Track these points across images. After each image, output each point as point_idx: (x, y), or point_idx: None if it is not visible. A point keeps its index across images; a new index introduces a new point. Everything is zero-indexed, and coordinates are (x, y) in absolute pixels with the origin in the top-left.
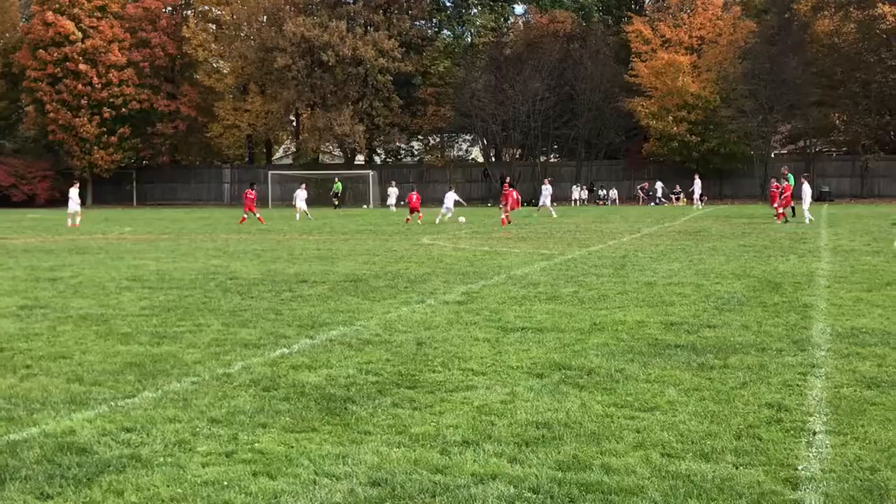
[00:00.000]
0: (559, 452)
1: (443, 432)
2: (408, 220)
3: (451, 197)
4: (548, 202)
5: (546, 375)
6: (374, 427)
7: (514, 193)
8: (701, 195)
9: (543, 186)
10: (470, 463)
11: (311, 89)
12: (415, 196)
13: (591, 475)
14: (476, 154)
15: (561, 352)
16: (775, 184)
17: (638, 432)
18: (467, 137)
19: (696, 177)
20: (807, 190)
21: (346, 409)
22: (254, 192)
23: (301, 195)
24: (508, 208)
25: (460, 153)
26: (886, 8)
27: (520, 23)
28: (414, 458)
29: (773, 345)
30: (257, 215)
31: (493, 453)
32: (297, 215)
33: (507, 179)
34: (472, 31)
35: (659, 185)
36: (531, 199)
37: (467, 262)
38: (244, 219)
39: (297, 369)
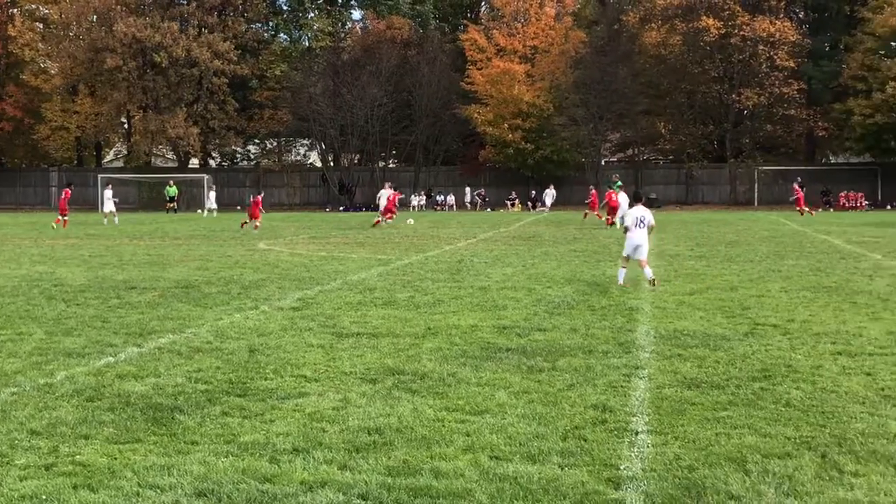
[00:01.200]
0: (390, 458)
1: (273, 440)
2: (244, 224)
3: (385, 194)
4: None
5: (379, 381)
6: (201, 437)
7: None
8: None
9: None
10: (299, 471)
11: (143, 91)
12: (257, 199)
13: (420, 480)
14: (314, 159)
15: (395, 357)
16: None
17: (468, 436)
18: (305, 142)
19: (551, 186)
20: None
21: (173, 418)
22: (69, 191)
23: (108, 194)
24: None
25: (298, 158)
26: (710, 21)
27: (357, 28)
28: (242, 468)
29: (599, 347)
30: (64, 217)
31: (323, 460)
32: (105, 220)
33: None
34: (310, 35)
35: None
36: (371, 205)
37: (304, 267)
38: (59, 220)
39: (123, 378)
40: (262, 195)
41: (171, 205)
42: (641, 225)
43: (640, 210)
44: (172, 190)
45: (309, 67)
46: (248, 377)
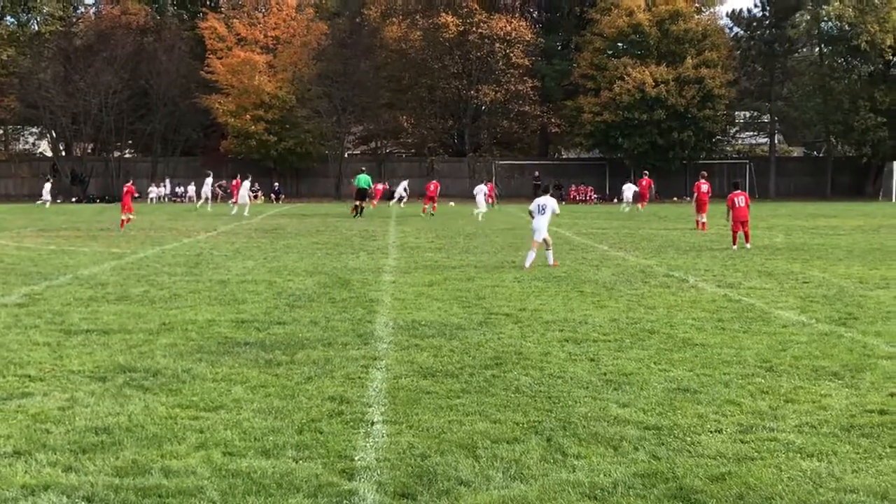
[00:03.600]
0: (118, 458)
1: None
2: None
3: (245, 186)
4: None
5: (109, 379)
6: None
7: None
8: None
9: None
10: (21, 475)
11: None
12: None
13: (149, 479)
14: (44, 148)
15: (127, 354)
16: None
17: (201, 432)
18: (34, 130)
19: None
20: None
21: None
22: None
23: None
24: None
25: (27, 147)
26: (450, 18)
27: (91, 13)
28: None
29: (339, 339)
30: None
31: (46, 463)
32: None
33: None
34: (39, 18)
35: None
36: (104, 196)
37: (31, 261)
38: None
39: None
40: None
41: None
42: (543, 211)
43: (544, 199)
44: None
45: (38, 53)
46: None
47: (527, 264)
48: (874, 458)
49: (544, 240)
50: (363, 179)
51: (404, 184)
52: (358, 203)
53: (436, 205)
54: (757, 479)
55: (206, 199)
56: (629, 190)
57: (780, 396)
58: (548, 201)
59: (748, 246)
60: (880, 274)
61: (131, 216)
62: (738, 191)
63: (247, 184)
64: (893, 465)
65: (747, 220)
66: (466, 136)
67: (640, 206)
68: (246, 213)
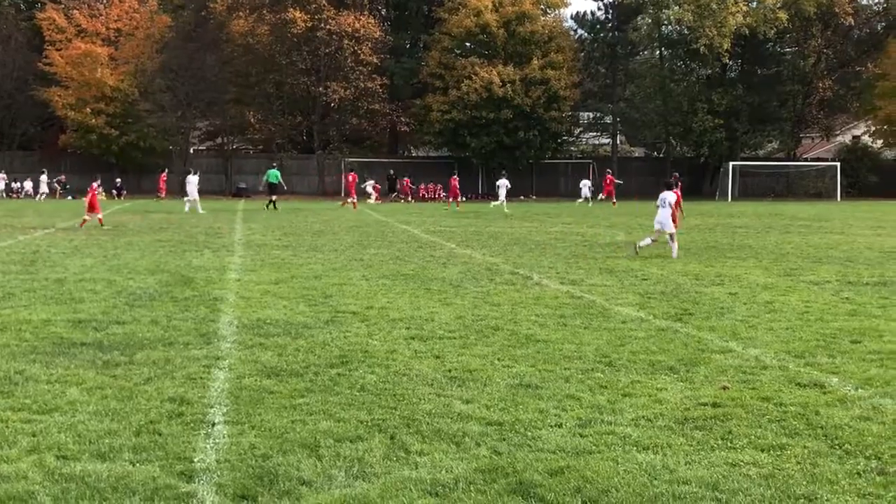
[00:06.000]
0: None
1: None
2: None
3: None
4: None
5: None
6: None
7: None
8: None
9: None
10: None
11: None
12: None
13: None
14: None
15: None
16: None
17: (34, 436)
18: None
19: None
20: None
21: None
22: None
23: None
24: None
25: None
26: (297, 13)
27: None
28: None
29: (180, 339)
30: None
31: None
32: None
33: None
34: None
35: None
36: None
37: None
38: None
39: None
40: None
41: None
42: (664, 205)
43: (665, 193)
44: None
45: None
46: None
47: (640, 244)
48: (707, 450)
49: (670, 234)
50: (272, 174)
51: (371, 182)
52: (271, 198)
53: (459, 200)
54: (594, 473)
55: (44, 194)
56: (585, 186)
57: (619, 391)
58: (668, 195)
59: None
60: (715, 271)
61: None
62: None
63: (194, 178)
64: (725, 457)
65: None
66: (315, 133)
67: (602, 198)
68: (200, 210)
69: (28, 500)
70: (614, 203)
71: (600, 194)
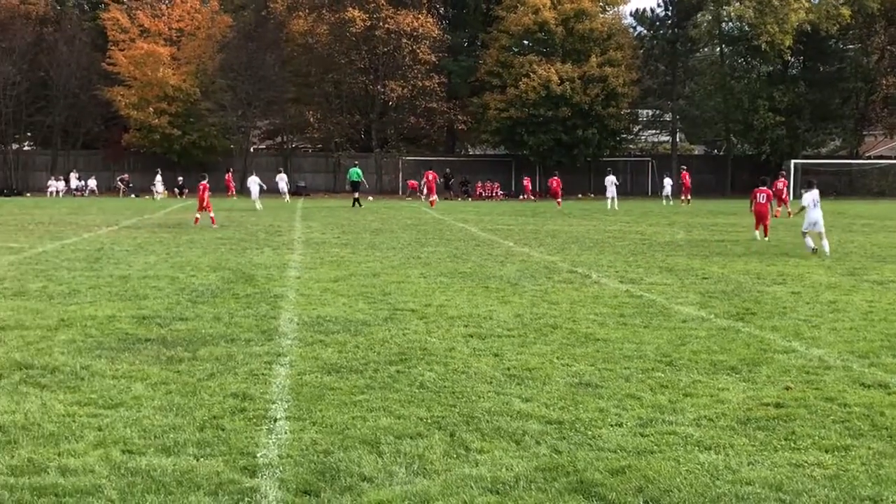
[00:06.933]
0: (13, 457)
1: None
2: None
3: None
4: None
5: (5, 376)
6: None
7: None
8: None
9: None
10: None
11: None
12: None
13: (46, 478)
14: None
15: (23, 350)
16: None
17: (100, 430)
18: None
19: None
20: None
21: None
22: None
23: None
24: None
25: None
26: (356, 13)
27: None
28: None
29: (242, 335)
30: None
31: None
32: None
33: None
34: None
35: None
36: (2, 190)
37: None
38: None
39: None
40: None
41: None
42: (816, 205)
43: (815, 193)
44: None
45: None
46: None
47: (810, 247)
48: (770, 451)
49: (820, 233)
50: (354, 172)
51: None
52: (356, 196)
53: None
54: (656, 472)
55: (158, 193)
56: (668, 185)
57: (679, 390)
58: (815, 194)
59: (766, 239)
60: (777, 270)
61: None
62: (763, 187)
63: (283, 176)
64: (788, 458)
65: (767, 215)
66: (373, 132)
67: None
68: (259, 207)
69: (95, 493)
70: (688, 201)
71: (681, 194)
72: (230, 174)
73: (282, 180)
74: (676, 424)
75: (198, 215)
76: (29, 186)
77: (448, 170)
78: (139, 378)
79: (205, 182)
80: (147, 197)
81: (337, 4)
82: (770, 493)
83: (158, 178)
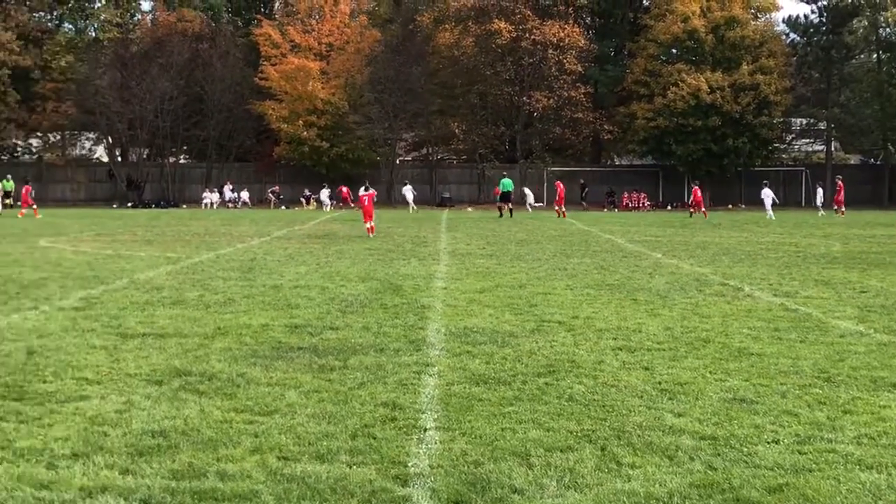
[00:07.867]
0: (174, 461)
1: (50, 445)
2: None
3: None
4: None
5: (165, 382)
6: None
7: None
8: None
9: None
10: (79, 476)
11: None
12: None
13: (205, 482)
14: (101, 153)
15: (182, 357)
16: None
17: (256, 437)
18: (91, 136)
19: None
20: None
21: None
22: None
23: None
24: None
25: (83, 152)
26: (502, 24)
27: (147, 20)
28: (17, 474)
29: (391, 345)
30: None
31: (104, 465)
32: None
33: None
34: (96, 25)
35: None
36: (160, 201)
37: (88, 266)
38: None
39: None
40: (30, 185)
41: (7, 200)
42: None
43: None
44: (9, 184)
45: (95, 59)
46: (26, 380)
47: None
48: None
49: None
50: (506, 183)
51: (527, 191)
52: (502, 205)
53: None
54: (815, 491)
55: (326, 204)
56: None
57: (838, 407)
58: None
59: None
60: None
61: (23, 210)
62: None
63: (409, 187)
64: None
65: None
66: (518, 143)
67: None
68: (414, 209)
69: (252, 498)
70: (843, 212)
71: (834, 206)
72: (344, 188)
73: (409, 191)
74: (836, 442)
75: (369, 224)
76: (185, 198)
77: (582, 180)
78: (292, 386)
79: (372, 192)
80: (299, 209)
81: (483, 17)
82: None
83: (325, 191)
